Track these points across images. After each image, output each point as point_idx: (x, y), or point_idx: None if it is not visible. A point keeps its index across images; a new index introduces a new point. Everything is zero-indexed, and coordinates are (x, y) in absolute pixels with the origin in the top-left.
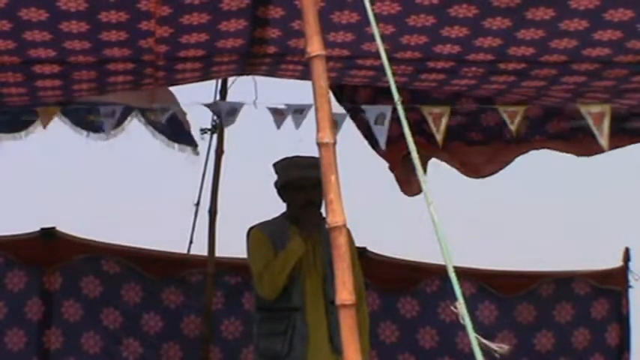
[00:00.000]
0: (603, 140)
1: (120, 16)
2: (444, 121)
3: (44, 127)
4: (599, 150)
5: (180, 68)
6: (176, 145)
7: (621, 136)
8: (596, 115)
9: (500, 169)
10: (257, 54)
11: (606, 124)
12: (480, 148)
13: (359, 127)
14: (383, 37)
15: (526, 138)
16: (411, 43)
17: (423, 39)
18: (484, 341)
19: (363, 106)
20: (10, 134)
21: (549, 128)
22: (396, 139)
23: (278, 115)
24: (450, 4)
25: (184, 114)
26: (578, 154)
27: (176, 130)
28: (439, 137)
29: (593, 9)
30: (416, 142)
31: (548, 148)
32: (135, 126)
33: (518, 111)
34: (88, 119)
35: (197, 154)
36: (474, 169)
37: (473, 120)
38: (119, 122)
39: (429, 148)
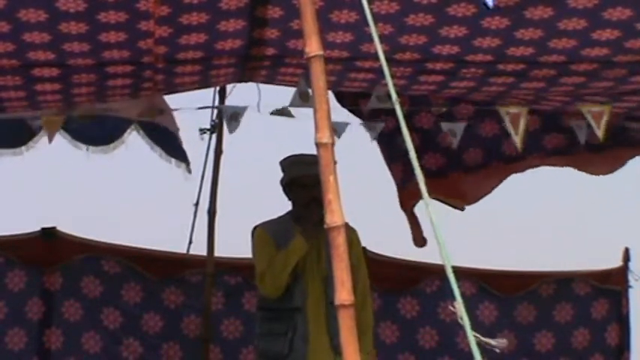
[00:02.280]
0: (600, 132)
1: (119, 17)
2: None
3: (50, 141)
4: (598, 169)
5: (180, 71)
6: (173, 160)
7: (623, 148)
8: (596, 114)
9: (492, 189)
10: (256, 56)
11: (604, 120)
12: (476, 173)
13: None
14: (381, 37)
15: (523, 155)
16: (409, 43)
17: (422, 39)
18: (483, 339)
19: (361, 122)
20: (10, 149)
21: (547, 143)
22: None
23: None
24: (448, 3)
25: (177, 129)
26: (579, 168)
27: (172, 145)
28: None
29: (591, 8)
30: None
31: (547, 165)
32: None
33: (521, 112)
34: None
35: (190, 171)
36: (466, 199)
37: (472, 131)
38: (118, 136)
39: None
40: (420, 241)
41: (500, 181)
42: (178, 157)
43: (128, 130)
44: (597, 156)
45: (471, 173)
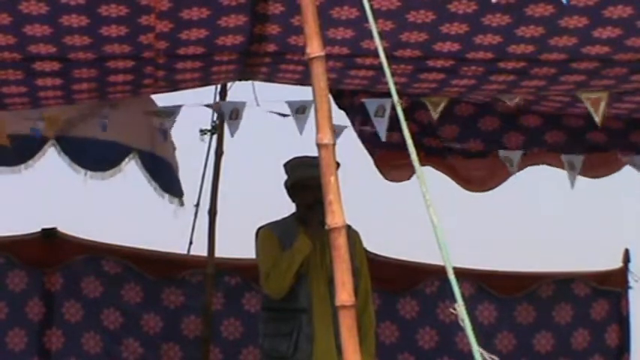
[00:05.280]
0: (598, 118)
1: (120, 10)
2: (442, 104)
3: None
4: (595, 171)
5: (180, 67)
6: (166, 196)
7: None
8: (594, 100)
9: (500, 183)
10: (257, 53)
11: (602, 106)
12: (479, 161)
13: (354, 127)
14: (382, 34)
15: (524, 149)
16: (410, 40)
17: (422, 36)
18: (481, 350)
19: (364, 100)
20: (9, 167)
21: (547, 139)
22: (393, 146)
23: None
24: (449, 0)
25: (176, 161)
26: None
27: (169, 177)
28: (435, 115)
29: (592, 5)
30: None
31: (548, 164)
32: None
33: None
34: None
35: (182, 204)
36: (475, 184)
37: (472, 125)
38: (116, 163)
39: (426, 160)
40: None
41: (505, 175)
42: (173, 191)
43: (126, 160)
44: (597, 157)
45: (471, 159)
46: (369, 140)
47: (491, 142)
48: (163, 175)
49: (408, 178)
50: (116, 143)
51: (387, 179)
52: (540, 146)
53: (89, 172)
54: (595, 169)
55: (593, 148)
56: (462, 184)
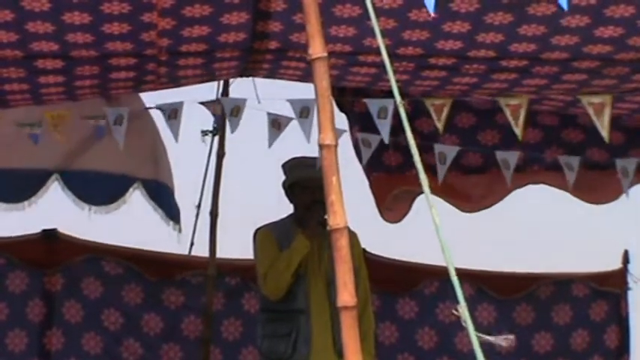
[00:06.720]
0: (604, 132)
1: (122, 7)
2: (445, 110)
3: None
4: (596, 195)
5: (182, 64)
6: (171, 223)
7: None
8: (597, 106)
9: (499, 200)
10: (259, 49)
11: (607, 115)
12: (477, 177)
13: (351, 136)
14: (384, 32)
15: (524, 168)
16: (412, 38)
17: (424, 34)
18: (488, 337)
19: (365, 100)
20: (11, 204)
21: (547, 157)
22: (391, 168)
23: (275, 128)
24: None
25: (172, 182)
26: (578, 196)
27: (169, 204)
28: (440, 125)
29: (594, 4)
30: (414, 176)
31: (546, 183)
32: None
33: (522, 104)
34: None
35: (180, 230)
36: (470, 203)
37: (472, 138)
38: (120, 195)
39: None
40: (392, 217)
41: (504, 192)
42: (174, 218)
43: (130, 190)
44: (597, 174)
45: (470, 175)
46: (367, 163)
47: (490, 157)
48: (166, 202)
49: (403, 217)
50: (120, 176)
51: (384, 219)
52: (539, 163)
53: (93, 207)
54: (595, 196)
55: (593, 166)
56: (459, 203)
